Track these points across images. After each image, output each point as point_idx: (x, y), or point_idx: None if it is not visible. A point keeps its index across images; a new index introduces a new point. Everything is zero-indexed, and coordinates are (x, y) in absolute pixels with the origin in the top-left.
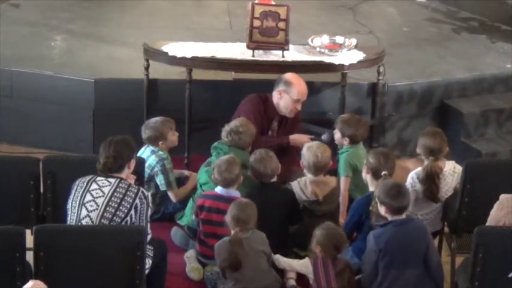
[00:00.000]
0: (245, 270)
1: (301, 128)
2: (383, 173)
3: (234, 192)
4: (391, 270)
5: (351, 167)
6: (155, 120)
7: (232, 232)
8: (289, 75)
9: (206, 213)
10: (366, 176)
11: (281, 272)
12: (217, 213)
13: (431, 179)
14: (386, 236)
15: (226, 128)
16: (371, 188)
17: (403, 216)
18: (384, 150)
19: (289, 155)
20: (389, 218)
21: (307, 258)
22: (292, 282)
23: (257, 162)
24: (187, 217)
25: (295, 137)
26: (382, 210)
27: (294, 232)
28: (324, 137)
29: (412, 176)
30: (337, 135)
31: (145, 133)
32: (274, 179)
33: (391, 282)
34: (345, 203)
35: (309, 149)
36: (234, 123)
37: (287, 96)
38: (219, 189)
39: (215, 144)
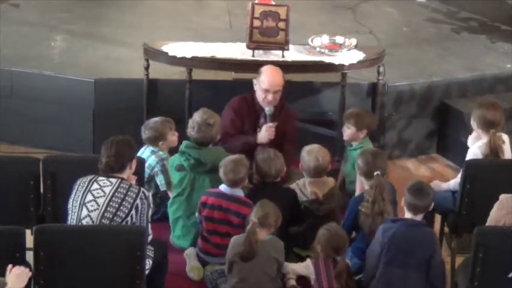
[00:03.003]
0: (253, 272)
1: (295, 124)
2: (375, 173)
3: (238, 191)
4: (391, 267)
5: None
6: (155, 120)
7: (250, 224)
8: (263, 67)
9: (209, 210)
10: (359, 176)
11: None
12: (219, 211)
13: (495, 154)
14: (393, 231)
15: (193, 125)
16: (365, 187)
17: (418, 218)
18: (373, 150)
19: (286, 155)
20: (406, 214)
21: (308, 260)
22: (292, 282)
23: (263, 162)
24: (177, 237)
25: (260, 135)
26: (403, 203)
27: (297, 232)
28: (268, 110)
29: (475, 153)
30: (349, 131)
31: (145, 133)
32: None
33: (390, 279)
34: None
35: (309, 152)
36: (200, 117)
37: (258, 86)
38: (223, 187)
39: (183, 148)
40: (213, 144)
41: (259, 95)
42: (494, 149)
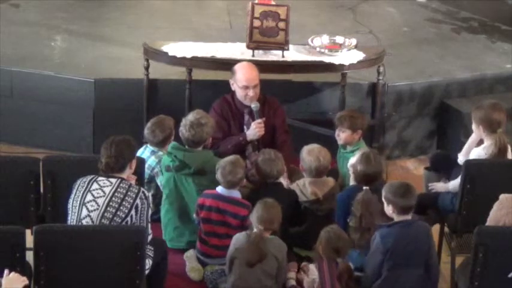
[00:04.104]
0: (253, 270)
1: (282, 114)
2: (364, 188)
3: (235, 193)
4: (395, 270)
5: None
6: (161, 119)
7: (255, 230)
8: (236, 65)
9: (206, 212)
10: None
11: None
12: (217, 213)
13: (503, 153)
14: (394, 237)
15: (186, 123)
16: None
17: (409, 216)
18: (369, 155)
19: (285, 145)
20: (396, 218)
21: (311, 265)
22: (292, 282)
23: (264, 163)
24: (170, 239)
25: (249, 133)
26: (389, 209)
27: (297, 232)
28: (254, 106)
29: (479, 154)
30: (344, 134)
31: (158, 136)
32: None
33: (394, 281)
34: None
35: (310, 152)
36: (193, 116)
37: (236, 85)
38: (219, 189)
39: (169, 149)
40: (204, 147)
41: (240, 94)
42: (503, 148)
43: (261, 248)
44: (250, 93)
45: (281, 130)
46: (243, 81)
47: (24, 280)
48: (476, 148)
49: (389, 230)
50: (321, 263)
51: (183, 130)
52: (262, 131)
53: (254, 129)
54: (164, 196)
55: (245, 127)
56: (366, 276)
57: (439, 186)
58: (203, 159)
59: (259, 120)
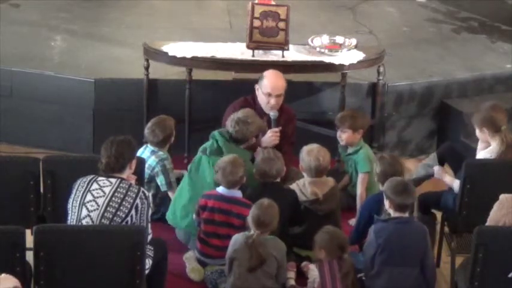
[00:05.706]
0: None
1: (295, 126)
2: None
3: (237, 193)
4: (387, 266)
5: (371, 163)
6: (162, 119)
7: (253, 233)
8: (266, 71)
9: (209, 212)
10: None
11: None
12: (220, 213)
13: (510, 149)
14: (387, 232)
15: (234, 117)
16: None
17: (406, 214)
18: (389, 156)
19: (286, 154)
20: (392, 213)
21: (311, 265)
22: (292, 282)
23: (263, 162)
24: (173, 214)
25: (264, 139)
26: (386, 204)
27: (297, 232)
28: (273, 115)
29: (485, 157)
30: (346, 134)
31: (158, 136)
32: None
33: (388, 278)
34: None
35: (310, 152)
36: (242, 114)
37: (260, 91)
38: (220, 189)
39: (215, 132)
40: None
41: (262, 100)
42: (510, 144)
43: (260, 252)
44: (272, 101)
45: (288, 140)
46: (267, 88)
47: (16, 282)
48: (482, 151)
49: (384, 225)
50: (321, 264)
51: (229, 125)
52: (277, 140)
53: (270, 137)
54: (187, 174)
55: (260, 133)
56: (365, 267)
57: (447, 178)
58: (236, 152)
59: (276, 129)
